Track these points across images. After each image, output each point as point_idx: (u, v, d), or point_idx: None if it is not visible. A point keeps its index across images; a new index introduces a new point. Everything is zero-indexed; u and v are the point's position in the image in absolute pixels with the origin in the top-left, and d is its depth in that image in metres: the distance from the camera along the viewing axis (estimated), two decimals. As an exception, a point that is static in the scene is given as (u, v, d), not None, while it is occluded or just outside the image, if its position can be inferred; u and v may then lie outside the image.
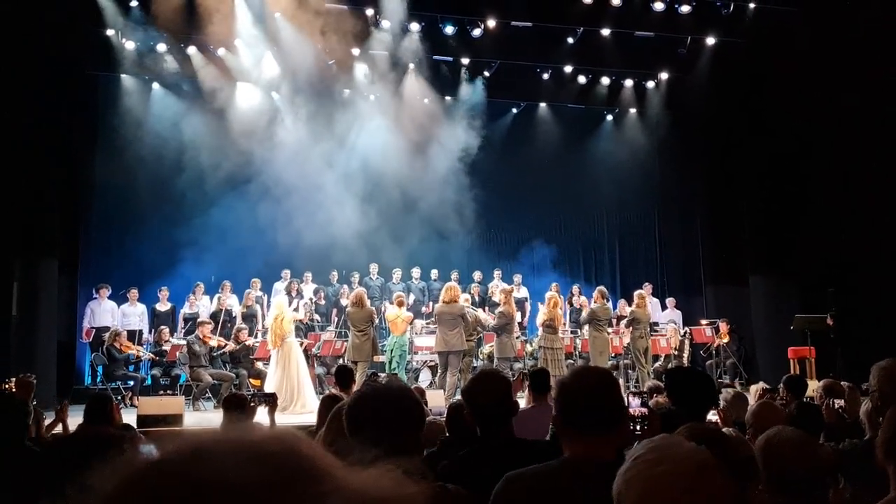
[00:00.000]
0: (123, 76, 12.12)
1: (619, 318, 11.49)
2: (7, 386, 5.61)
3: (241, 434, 0.57)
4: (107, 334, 10.27)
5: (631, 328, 10.29)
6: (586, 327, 10.41)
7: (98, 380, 10.28)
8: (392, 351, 9.75)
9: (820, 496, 2.27)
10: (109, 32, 11.36)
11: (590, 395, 1.81)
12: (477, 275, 13.20)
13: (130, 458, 0.56)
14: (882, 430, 1.99)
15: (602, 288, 10.71)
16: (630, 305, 11.45)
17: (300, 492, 0.53)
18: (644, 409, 2.62)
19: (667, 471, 1.14)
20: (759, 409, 3.46)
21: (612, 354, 10.76)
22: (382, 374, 8.82)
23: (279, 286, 12.32)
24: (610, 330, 10.59)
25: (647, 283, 12.97)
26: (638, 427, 2.59)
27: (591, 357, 10.02)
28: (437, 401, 7.48)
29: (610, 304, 11.06)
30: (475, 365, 10.81)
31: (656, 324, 12.39)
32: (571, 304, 12.55)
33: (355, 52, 12.37)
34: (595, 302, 10.50)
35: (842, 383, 5.20)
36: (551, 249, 14.66)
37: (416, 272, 13.08)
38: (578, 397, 1.82)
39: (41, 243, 9.82)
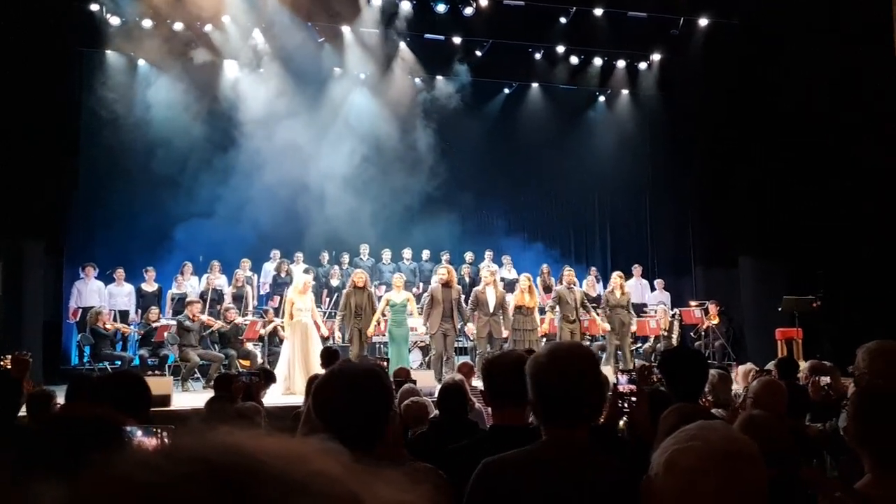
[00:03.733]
0: (108, 52, 11.91)
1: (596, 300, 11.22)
2: (2, 363, 5.50)
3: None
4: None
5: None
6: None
7: (85, 360, 10.20)
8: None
9: (788, 472, 2.26)
10: (94, 7, 11.15)
11: (567, 389, 1.70)
12: (468, 255, 13.17)
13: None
14: (849, 416, 1.98)
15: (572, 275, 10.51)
16: (606, 289, 11.18)
17: None
18: (632, 386, 2.59)
19: (698, 457, 1.14)
20: (760, 388, 3.38)
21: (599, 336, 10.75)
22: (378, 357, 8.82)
23: (269, 266, 12.25)
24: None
25: (636, 265, 12.99)
26: (626, 404, 2.57)
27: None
28: (427, 381, 7.52)
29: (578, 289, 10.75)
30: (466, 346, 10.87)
31: (645, 305, 12.42)
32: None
33: (345, 29, 12.23)
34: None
35: (825, 363, 5.29)
36: (542, 230, 14.65)
37: (406, 253, 13.03)
38: (553, 391, 1.71)
39: (25, 222, 9.67)
